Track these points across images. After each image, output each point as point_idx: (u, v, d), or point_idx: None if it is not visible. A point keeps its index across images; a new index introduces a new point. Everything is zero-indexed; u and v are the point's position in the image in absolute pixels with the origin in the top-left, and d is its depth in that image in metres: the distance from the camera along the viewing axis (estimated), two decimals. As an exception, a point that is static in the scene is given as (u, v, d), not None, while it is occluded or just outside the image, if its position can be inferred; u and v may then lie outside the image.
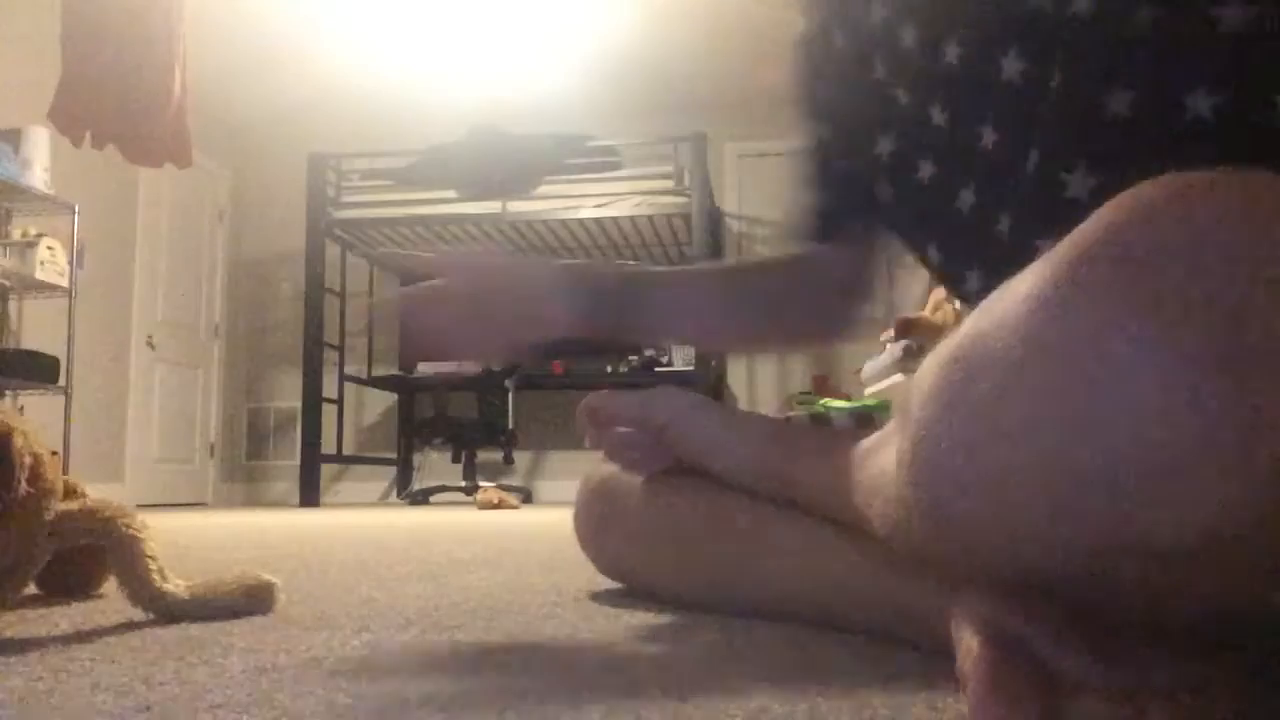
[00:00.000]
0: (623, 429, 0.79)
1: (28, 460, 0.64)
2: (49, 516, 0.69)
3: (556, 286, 0.78)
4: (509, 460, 5.12)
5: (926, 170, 0.67)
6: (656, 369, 4.99)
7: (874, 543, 0.58)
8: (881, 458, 0.47)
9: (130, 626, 0.68)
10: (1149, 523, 0.31)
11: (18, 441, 0.63)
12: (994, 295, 0.37)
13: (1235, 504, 0.29)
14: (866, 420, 0.80)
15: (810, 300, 0.89)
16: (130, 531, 0.70)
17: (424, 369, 5.14)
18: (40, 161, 3.96)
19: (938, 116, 0.64)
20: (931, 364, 0.39)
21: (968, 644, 0.39)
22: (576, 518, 0.87)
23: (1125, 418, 0.30)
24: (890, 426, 0.51)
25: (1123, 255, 0.32)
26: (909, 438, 0.38)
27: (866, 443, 0.55)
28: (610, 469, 0.84)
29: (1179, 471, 0.30)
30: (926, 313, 3.26)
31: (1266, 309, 0.29)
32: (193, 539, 1.83)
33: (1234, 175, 0.33)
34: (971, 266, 0.66)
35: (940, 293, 3.14)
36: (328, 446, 4.90)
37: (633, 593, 0.85)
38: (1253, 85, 0.50)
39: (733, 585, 0.72)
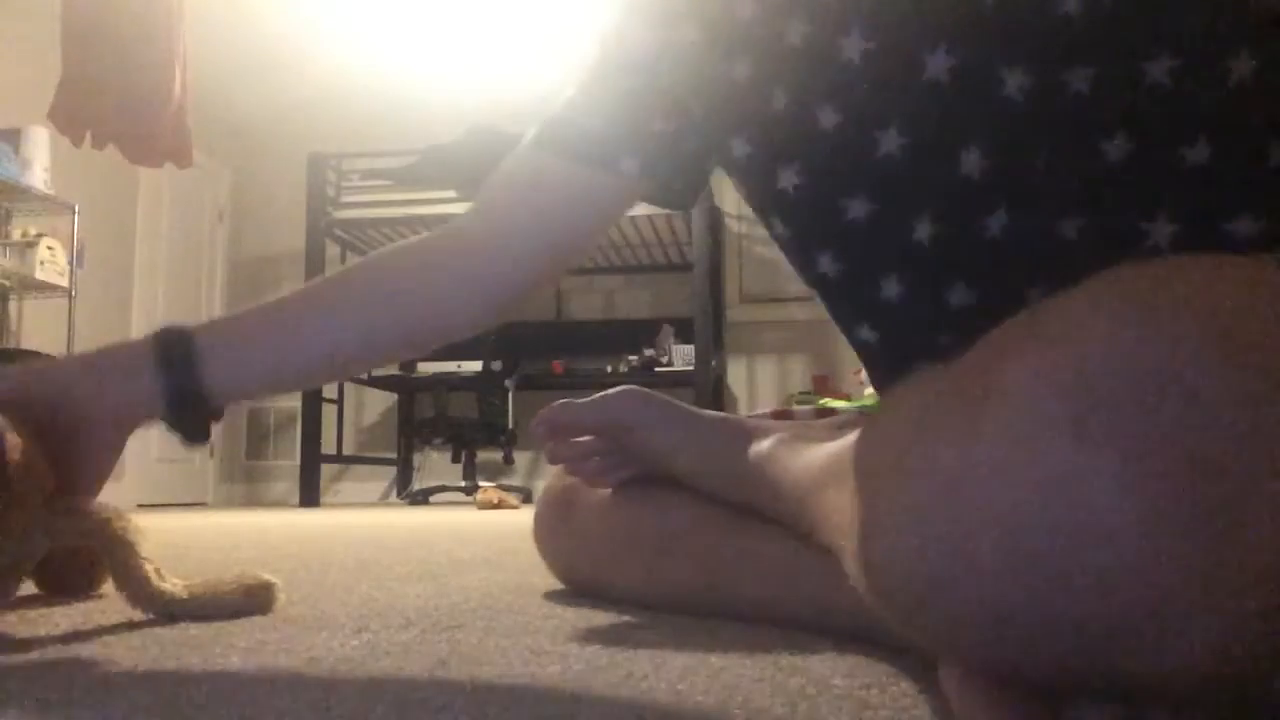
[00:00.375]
0: (582, 438, 0.77)
1: (18, 457, 0.63)
2: (40, 514, 0.68)
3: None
4: (509, 460, 5.12)
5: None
6: (656, 369, 4.99)
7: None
8: (839, 501, 0.45)
9: (130, 626, 0.68)
10: (1127, 666, 0.29)
11: (10, 438, 0.63)
12: (926, 379, 0.36)
13: (1240, 628, 0.27)
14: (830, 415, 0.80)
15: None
16: (124, 534, 0.70)
17: (424, 368, 5.14)
18: (40, 161, 3.96)
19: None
20: (865, 454, 0.39)
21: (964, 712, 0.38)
22: (538, 533, 0.85)
23: (1087, 546, 0.28)
24: (840, 455, 0.50)
25: (1063, 354, 0.30)
26: (855, 537, 0.37)
27: (821, 464, 0.54)
28: (570, 480, 0.82)
29: (1152, 598, 0.28)
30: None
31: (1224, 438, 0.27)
32: (193, 539, 1.83)
33: (1163, 266, 0.32)
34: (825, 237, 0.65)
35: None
36: (328, 446, 4.90)
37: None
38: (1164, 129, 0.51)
39: (702, 596, 0.70)
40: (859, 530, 0.36)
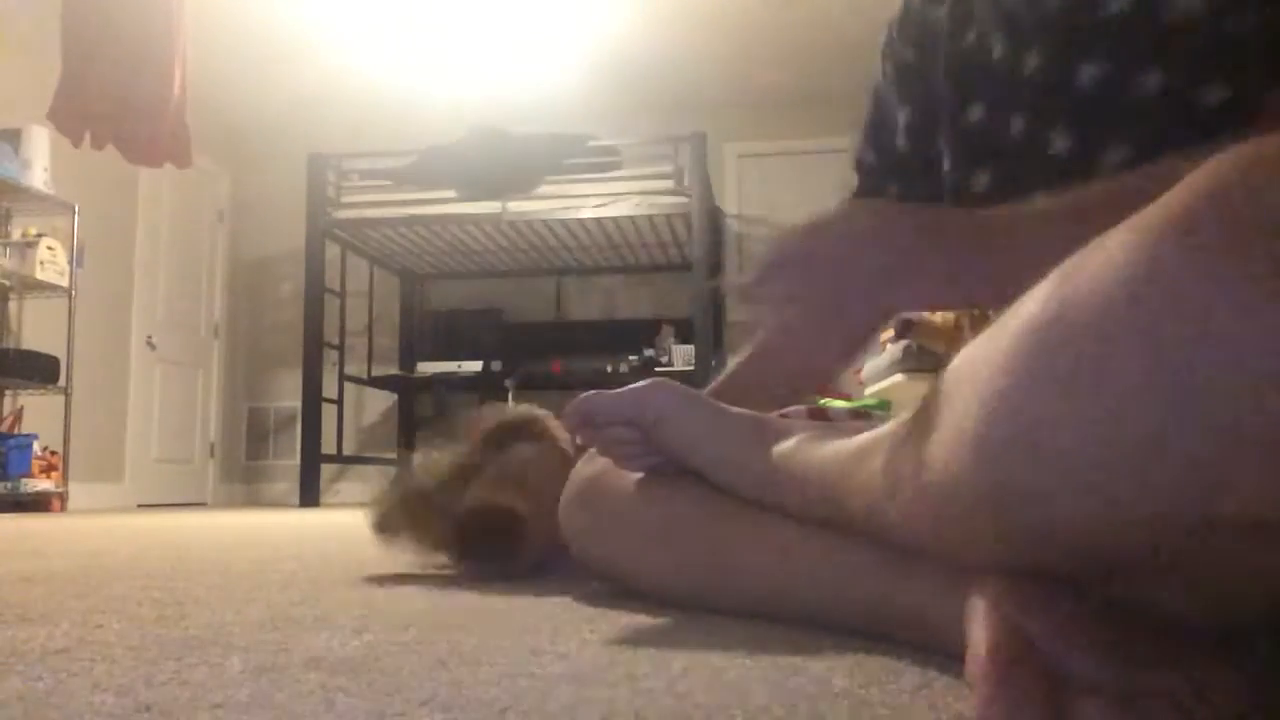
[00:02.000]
0: (614, 429, 0.78)
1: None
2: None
3: None
4: (509, 460, 5.10)
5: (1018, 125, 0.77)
6: (656, 369, 4.99)
7: (868, 544, 0.58)
8: (900, 452, 0.46)
9: (130, 626, 0.68)
10: (1257, 496, 0.30)
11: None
12: (1073, 262, 0.35)
13: None
14: (863, 419, 0.80)
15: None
16: None
17: (424, 368, 5.14)
18: (40, 161, 3.96)
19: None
20: (1000, 337, 0.37)
21: (977, 645, 0.39)
22: (563, 517, 0.87)
23: (1238, 392, 0.29)
24: (886, 430, 0.50)
25: (1229, 222, 0.30)
26: (974, 413, 0.37)
27: (858, 445, 0.54)
28: (597, 468, 0.84)
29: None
30: (926, 312, 3.25)
31: None
32: (193, 539, 1.83)
33: None
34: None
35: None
36: (328, 446, 4.90)
37: (631, 592, 0.85)
38: None
39: (726, 585, 0.71)
40: (983, 408, 0.37)
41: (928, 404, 0.44)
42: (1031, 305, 0.36)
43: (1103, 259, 0.34)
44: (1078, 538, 0.35)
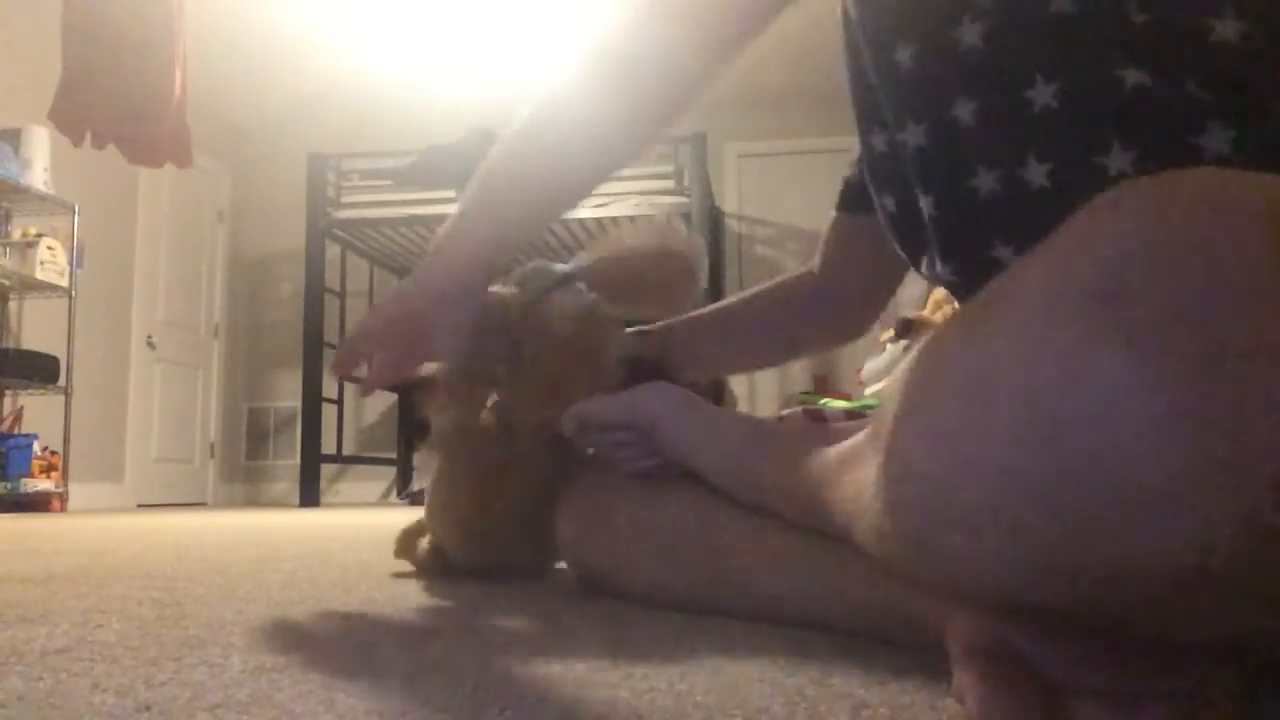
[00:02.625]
0: (611, 432, 0.78)
1: None
2: None
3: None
4: (509, 460, 5.10)
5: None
6: (656, 369, 4.98)
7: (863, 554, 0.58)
8: (858, 475, 0.46)
9: (130, 626, 0.68)
10: (1143, 552, 0.29)
11: None
12: (962, 311, 0.36)
13: (1228, 527, 0.27)
14: (858, 419, 0.80)
15: (820, 316, 0.99)
16: None
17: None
18: (40, 161, 3.96)
19: None
20: (897, 386, 0.37)
21: (959, 655, 0.39)
22: (559, 526, 0.86)
23: (1110, 449, 0.28)
24: (862, 438, 0.50)
25: (1092, 274, 0.30)
26: (883, 469, 0.37)
27: (839, 453, 0.54)
28: (595, 472, 0.83)
29: (1170, 499, 0.28)
30: (926, 313, 3.26)
31: (1247, 316, 0.27)
32: (193, 539, 1.83)
33: (1207, 173, 0.32)
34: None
35: (940, 292, 3.14)
36: (328, 446, 4.90)
37: (629, 596, 0.85)
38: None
39: (724, 590, 0.71)
40: (886, 463, 0.37)
41: (873, 431, 0.44)
42: (923, 352, 0.37)
43: (985, 308, 0.34)
44: (1000, 591, 0.35)
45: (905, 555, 0.38)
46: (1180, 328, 0.28)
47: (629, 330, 0.94)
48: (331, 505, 4.97)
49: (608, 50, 0.75)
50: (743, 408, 4.80)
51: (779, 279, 1.03)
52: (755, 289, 1.05)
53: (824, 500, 0.55)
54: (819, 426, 0.78)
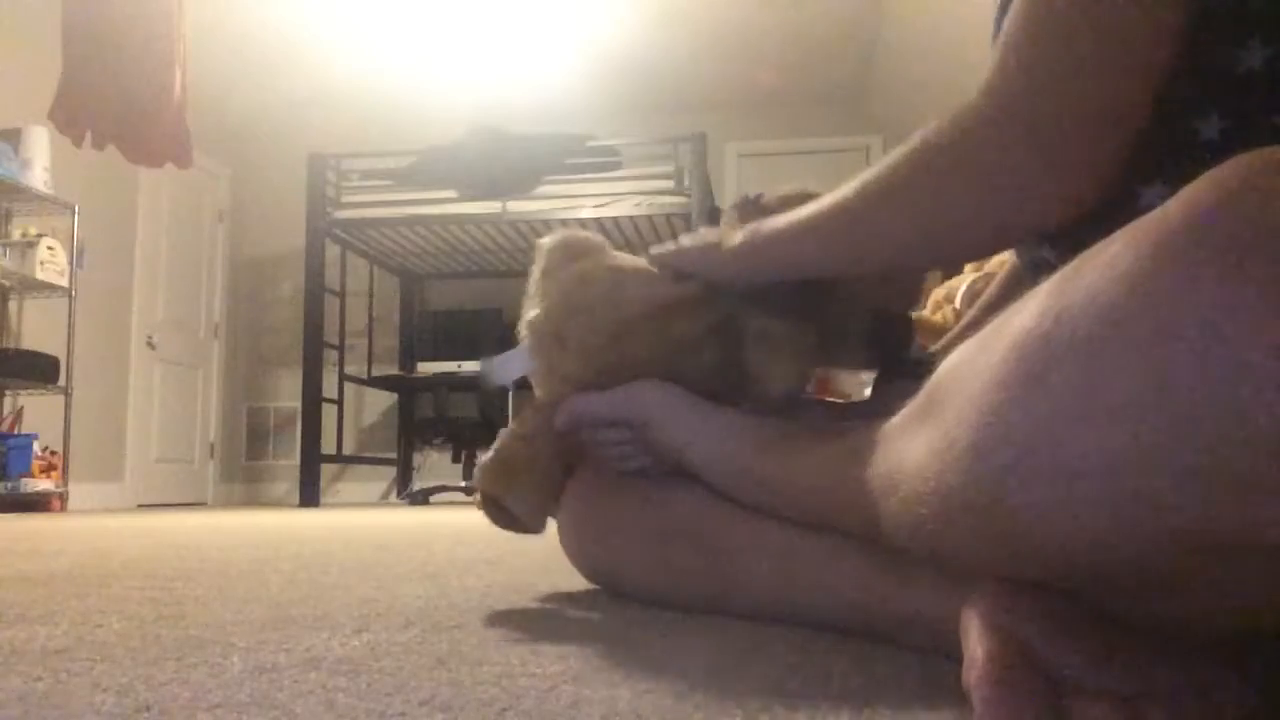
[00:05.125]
0: (604, 430, 0.78)
1: None
2: None
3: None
4: (509, 460, 5.10)
5: None
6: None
7: (866, 549, 0.57)
8: (892, 454, 0.45)
9: (130, 626, 0.68)
10: (1244, 518, 0.29)
11: None
12: (1067, 272, 0.35)
13: None
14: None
15: None
16: None
17: (424, 368, 5.14)
18: (40, 161, 3.96)
19: None
20: (993, 348, 0.37)
21: (974, 650, 0.39)
22: (560, 523, 0.86)
23: (1227, 407, 0.28)
24: (884, 428, 0.50)
25: (1234, 231, 0.30)
26: (968, 425, 0.37)
27: (853, 446, 0.54)
28: (593, 470, 0.83)
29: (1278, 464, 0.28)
30: (927, 313, 3.26)
31: None
32: (193, 539, 1.83)
33: None
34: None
35: (940, 292, 3.14)
36: (328, 446, 4.90)
37: (629, 595, 0.85)
38: None
39: (725, 591, 0.71)
40: (977, 418, 0.36)
41: (919, 410, 0.43)
42: (1026, 317, 0.36)
43: (1099, 271, 0.33)
44: (1076, 554, 0.34)
45: (969, 517, 0.37)
46: None
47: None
48: (331, 505, 4.97)
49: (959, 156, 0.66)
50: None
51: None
52: None
53: (831, 493, 0.54)
54: (820, 417, 0.77)
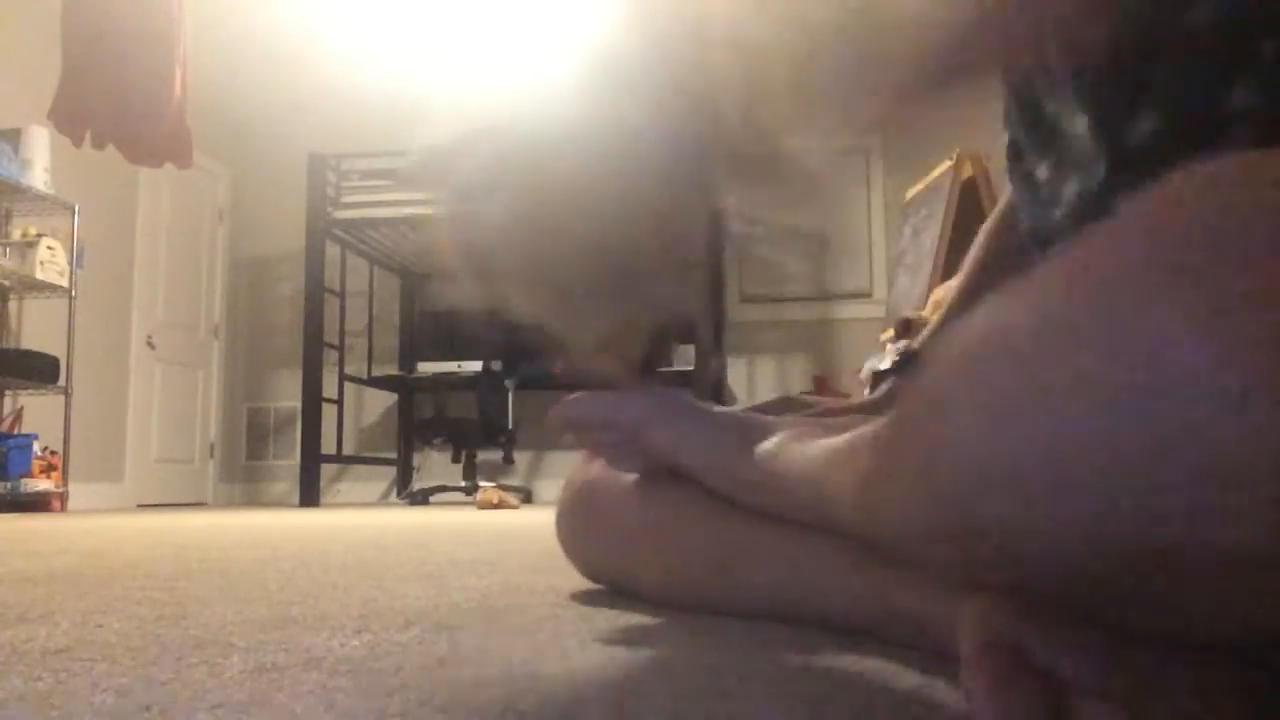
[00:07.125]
0: (598, 432, 0.78)
1: None
2: None
3: None
4: (509, 460, 5.11)
5: None
6: (658, 369, 4.98)
7: (863, 549, 0.57)
8: (872, 462, 0.45)
9: (130, 626, 0.68)
10: (1210, 530, 0.28)
11: None
12: (1014, 284, 0.35)
13: None
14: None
15: None
16: None
17: (424, 368, 5.14)
18: (40, 161, 3.97)
19: None
20: (951, 357, 0.37)
21: (970, 651, 0.39)
22: (559, 522, 0.86)
23: (1177, 412, 0.28)
24: (870, 430, 0.50)
25: (1160, 229, 0.29)
26: (932, 441, 0.36)
27: (840, 448, 0.53)
28: (592, 473, 0.83)
29: (1232, 467, 0.27)
30: (926, 312, 3.26)
31: None
32: (193, 539, 1.83)
33: (1271, 155, 0.31)
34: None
35: (940, 292, 3.14)
36: (328, 446, 4.90)
37: (629, 594, 0.85)
38: None
39: (725, 592, 0.71)
40: (939, 432, 0.35)
41: (892, 422, 0.43)
42: (974, 327, 0.35)
43: (1053, 273, 0.33)
44: (1045, 568, 0.34)
45: (947, 530, 0.37)
46: (1255, 306, 0.27)
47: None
48: (331, 505, 4.97)
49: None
50: (742, 407, 4.77)
51: None
52: None
53: (821, 495, 0.54)
54: (813, 419, 0.77)
